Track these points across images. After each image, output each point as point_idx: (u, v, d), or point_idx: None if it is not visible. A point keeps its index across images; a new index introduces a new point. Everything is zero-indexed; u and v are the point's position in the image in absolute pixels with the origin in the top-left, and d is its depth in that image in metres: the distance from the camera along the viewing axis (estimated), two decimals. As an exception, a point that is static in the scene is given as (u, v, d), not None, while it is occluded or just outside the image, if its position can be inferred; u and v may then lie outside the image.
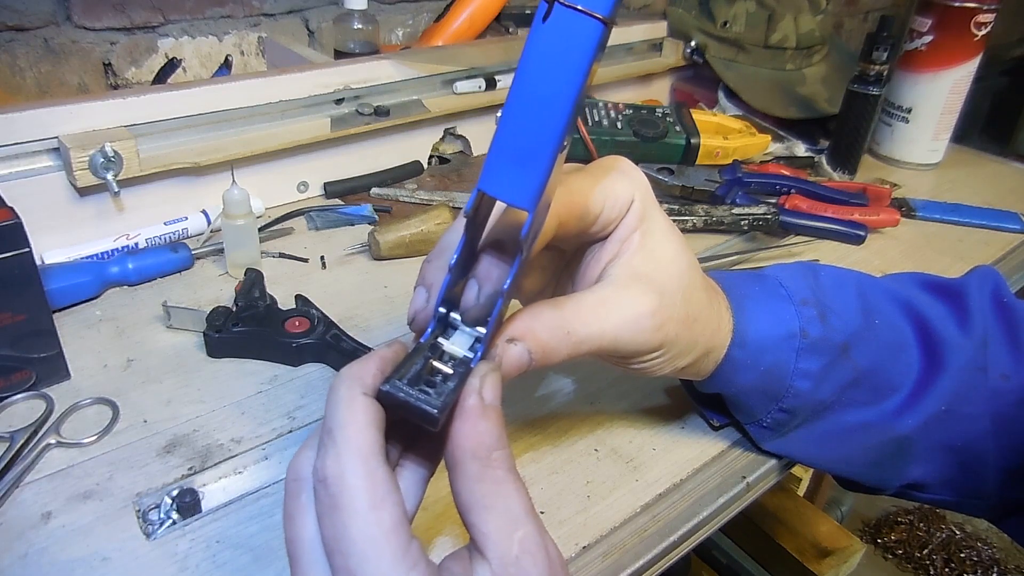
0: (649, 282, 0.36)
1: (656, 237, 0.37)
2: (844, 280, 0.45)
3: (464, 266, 0.32)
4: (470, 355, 0.31)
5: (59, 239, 0.64)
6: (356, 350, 0.53)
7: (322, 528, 0.28)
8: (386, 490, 0.27)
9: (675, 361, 0.39)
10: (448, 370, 0.30)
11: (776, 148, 0.97)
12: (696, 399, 0.50)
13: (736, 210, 0.76)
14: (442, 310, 0.32)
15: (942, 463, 0.44)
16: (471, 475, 0.28)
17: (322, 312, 0.57)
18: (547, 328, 0.33)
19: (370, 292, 0.64)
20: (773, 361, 0.42)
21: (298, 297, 0.59)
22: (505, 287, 0.30)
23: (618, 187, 0.37)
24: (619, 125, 0.87)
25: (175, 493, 0.43)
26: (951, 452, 0.44)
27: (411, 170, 0.85)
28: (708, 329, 0.40)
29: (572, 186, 0.35)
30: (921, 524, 1.68)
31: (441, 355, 0.31)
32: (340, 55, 0.89)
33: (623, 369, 0.40)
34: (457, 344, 0.32)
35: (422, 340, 0.32)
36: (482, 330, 0.32)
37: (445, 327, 0.32)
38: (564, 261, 0.41)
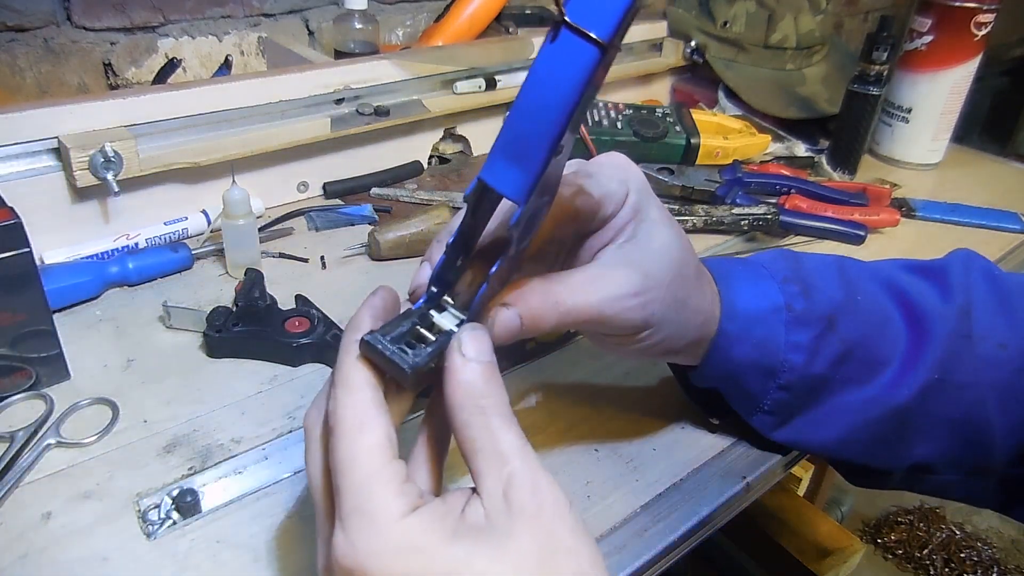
0: (636, 266, 0.38)
1: (648, 228, 0.39)
2: (825, 261, 0.47)
3: (463, 249, 0.35)
4: (456, 330, 0.33)
5: (59, 239, 0.64)
6: (356, 350, 0.53)
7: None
8: (368, 415, 0.30)
9: (666, 343, 0.40)
10: (431, 337, 0.33)
11: (776, 148, 0.97)
12: (694, 398, 0.50)
13: (736, 210, 0.76)
14: (435, 290, 0.35)
15: (946, 438, 0.45)
16: (462, 423, 0.30)
17: (322, 312, 0.57)
18: (537, 296, 0.36)
19: (370, 292, 0.64)
20: (764, 333, 0.43)
21: (298, 297, 0.59)
22: (491, 272, 0.33)
23: (613, 186, 0.39)
24: (619, 125, 0.87)
25: (175, 493, 0.43)
26: (953, 426, 0.44)
27: (411, 170, 0.85)
28: (700, 314, 0.41)
29: (567, 190, 0.37)
30: (921, 524, 1.68)
31: (430, 326, 0.34)
32: (340, 55, 0.89)
33: (619, 351, 0.41)
34: (446, 320, 0.34)
35: (413, 308, 0.34)
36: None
37: (439, 306, 0.35)
38: (565, 249, 0.43)
